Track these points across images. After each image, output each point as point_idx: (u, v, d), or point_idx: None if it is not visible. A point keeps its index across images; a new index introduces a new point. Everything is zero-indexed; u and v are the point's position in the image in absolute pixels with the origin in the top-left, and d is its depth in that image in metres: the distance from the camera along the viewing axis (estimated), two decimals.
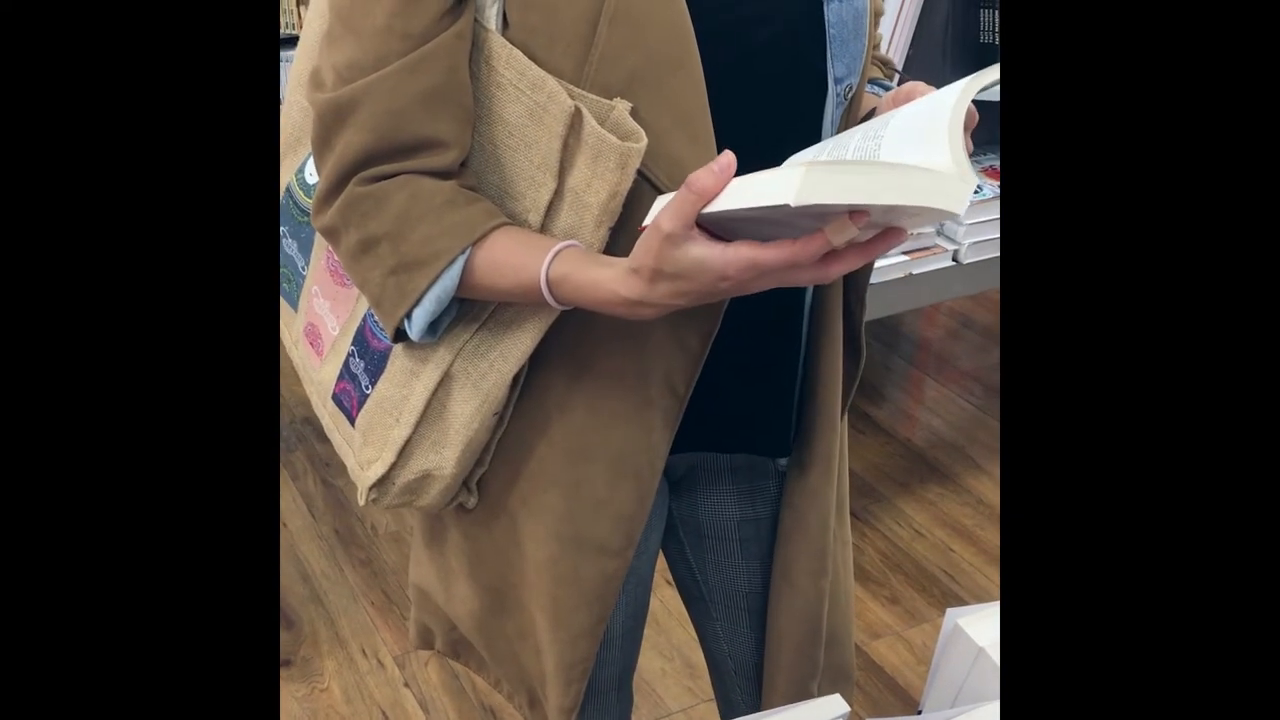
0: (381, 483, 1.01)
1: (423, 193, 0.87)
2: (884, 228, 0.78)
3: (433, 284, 0.87)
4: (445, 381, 0.96)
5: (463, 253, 0.87)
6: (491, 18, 0.87)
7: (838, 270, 0.78)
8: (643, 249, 0.80)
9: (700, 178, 0.76)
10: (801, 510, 1.09)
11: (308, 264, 1.11)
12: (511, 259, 0.87)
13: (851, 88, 0.96)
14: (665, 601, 2.08)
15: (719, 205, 0.76)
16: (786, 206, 0.70)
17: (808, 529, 1.09)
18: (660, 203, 0.81)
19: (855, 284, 1.05)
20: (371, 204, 0.88)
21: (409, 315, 0.90)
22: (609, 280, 0.84)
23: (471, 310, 0.94)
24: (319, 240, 1.08)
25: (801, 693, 1.14)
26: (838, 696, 0.82)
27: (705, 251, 0.78)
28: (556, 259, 0.86)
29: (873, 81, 1.09)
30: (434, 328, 0.93)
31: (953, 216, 0.73)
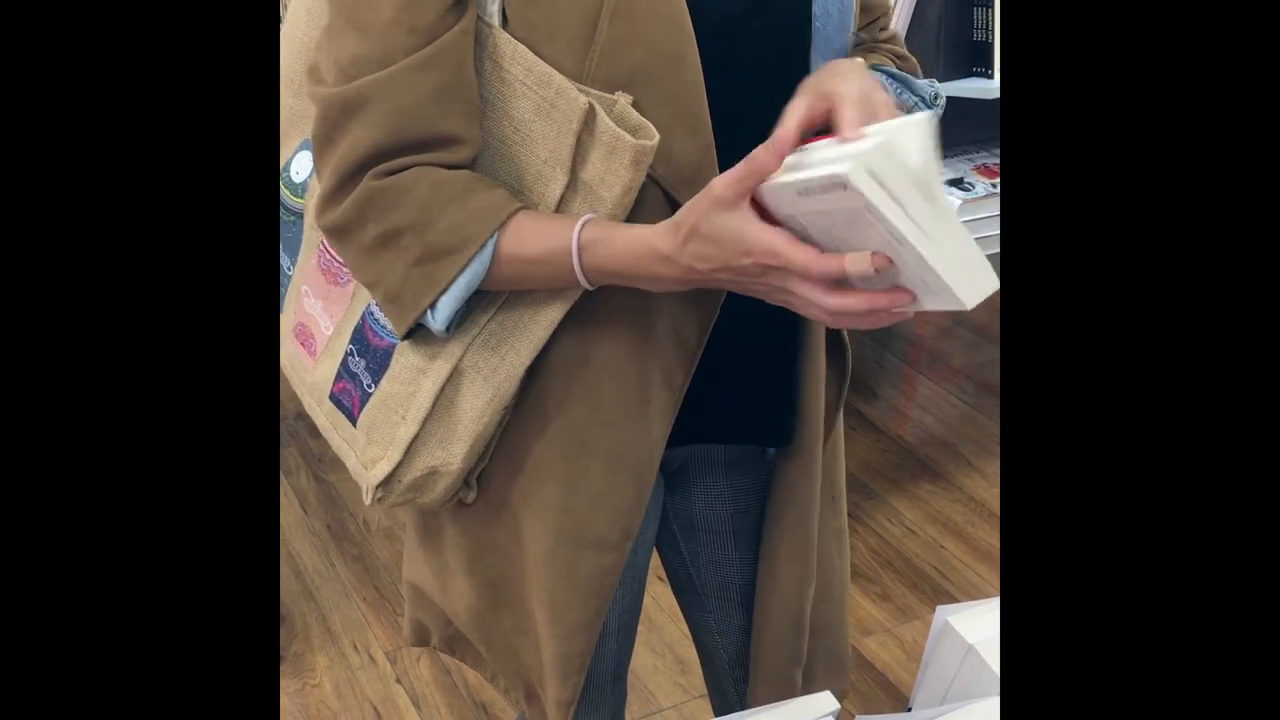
0: (387, 481, 1.00)
1: (442, 182, 0.87)
2: (895, 285, 0.76)
3: (463, 270, 0.88)
4: (454, 377, 0.96)
5: (491, 237, 0.87)
6: (494, 14, 0.87)
7: (835, 302, 0.78)
8: (689, 207, 0.82)
9: (759, 153, 0.77)
10: (782, 502, 1.10)
11: (294, 264, 1.10)
12: (537, 229, 0.88)
13: None
14: (657, 598, 2.08)
15: (779, 178, 0.77)
16: (841, 187, 0.70)
17: (787, 520, 1.10)
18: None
19: None
20: (391, 196, 0.87)
21: (433, 305, 0.89)
22: (648, 235, 0.84)
23: (482, 303, 0.94)
24: (307, 240, 1.08)
25: (783, 680, 1.15)
26: (828, 694, 0.82)
27: (742, 223, 0.79)
28: (588, 225, 0.87)
29: (879, 68, 1.05)
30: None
31: (960, 306, 0.73)
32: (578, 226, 0.86)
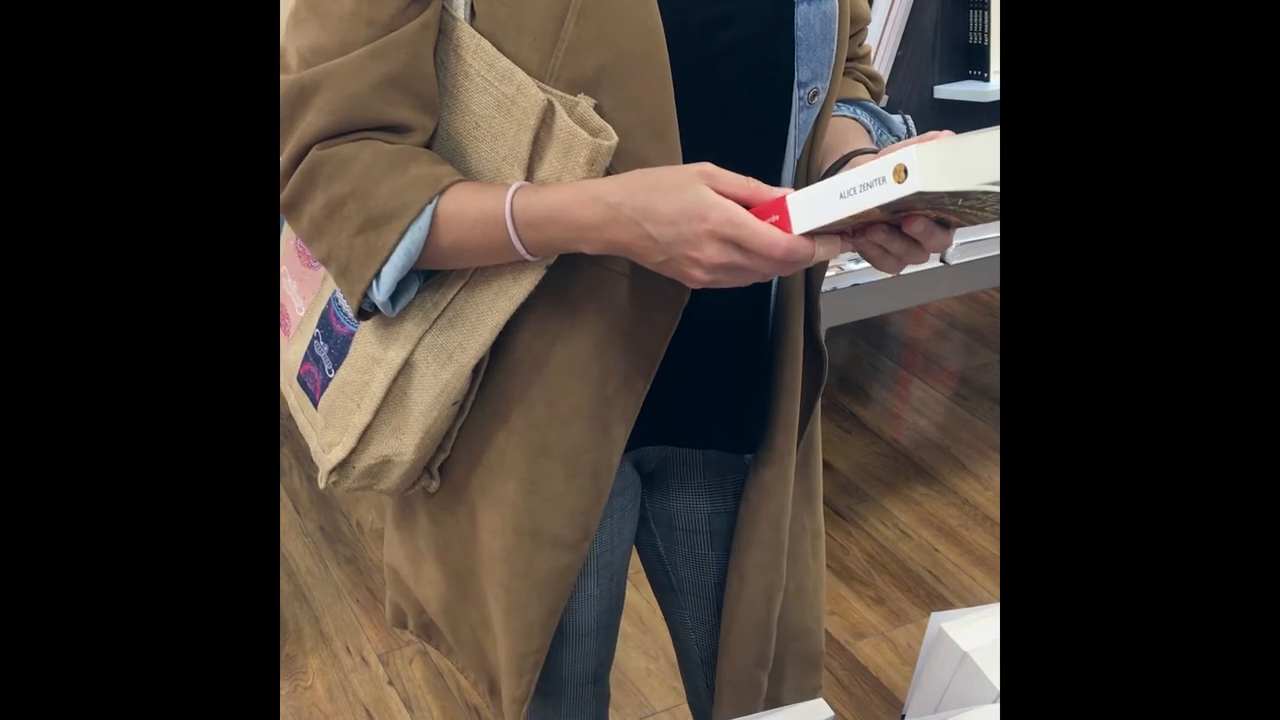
0: (342, 466, 1.02)
1: (385, 151, 0.88)
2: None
3: (402, 237, 0.88)
4: (406, 369, 0.96)
5: (429, 203, 0.87)
6: (460, 8, 0.88)
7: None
8: (667, 168, 0.84)
9: (770, 189, 0.82)
10: (754, 505, 1.10)
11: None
12: (474, 198, 0.88)
13: (818, 92, 0.96)
14: (651, 600, 2.08)
15: (811, 187, 0.79)
16: (906, 194, 0.72)
17: (757, 525, 1.10)
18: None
19: (810, 290, 1.06)
20: (335, 164, 0.88)
21: (378, 275, 0.90)
22: (594, 183, 0.85)
23: (432, 298, 0.95)
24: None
25: (748, 682, 1.16)
26: (821, 701, 0.82)
27: (708, 193, 0.81)
28: (522, 188, 0.87)
29: (860, 104, 1.09)
30: (394, 299, 0.93)
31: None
32: (509, 194, 0.87)
